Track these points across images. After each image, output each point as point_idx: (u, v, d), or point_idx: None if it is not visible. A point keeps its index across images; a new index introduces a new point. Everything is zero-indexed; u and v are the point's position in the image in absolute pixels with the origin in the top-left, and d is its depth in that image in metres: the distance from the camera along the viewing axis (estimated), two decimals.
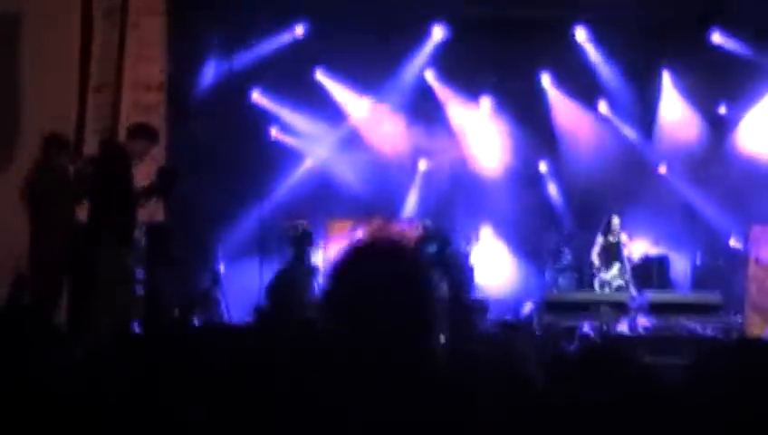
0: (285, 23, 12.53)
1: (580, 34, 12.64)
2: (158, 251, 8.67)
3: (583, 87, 12.92)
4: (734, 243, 12.08)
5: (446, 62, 12.86)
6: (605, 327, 9.97)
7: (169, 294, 9.22)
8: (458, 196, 12.78)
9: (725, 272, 12.02)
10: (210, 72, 12.23)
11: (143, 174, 7.75)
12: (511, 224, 12.70)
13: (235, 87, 12.42)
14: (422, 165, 13.15)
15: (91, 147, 8.58)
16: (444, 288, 11.06)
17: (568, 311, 10.63)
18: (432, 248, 11.69)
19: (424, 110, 13.09)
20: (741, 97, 12.66)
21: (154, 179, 7.47)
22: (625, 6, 12.00)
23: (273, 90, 12.81)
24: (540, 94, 13.05)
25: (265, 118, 12.93)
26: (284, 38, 12.58)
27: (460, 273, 11.83)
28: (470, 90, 13.00)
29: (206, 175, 11.55)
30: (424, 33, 12.76)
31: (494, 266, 12.60)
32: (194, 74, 11.94)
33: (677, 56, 12.56)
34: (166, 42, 10.07)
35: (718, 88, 12.68)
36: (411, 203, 13.14)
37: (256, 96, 12.82)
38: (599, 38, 12.61)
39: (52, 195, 7.29)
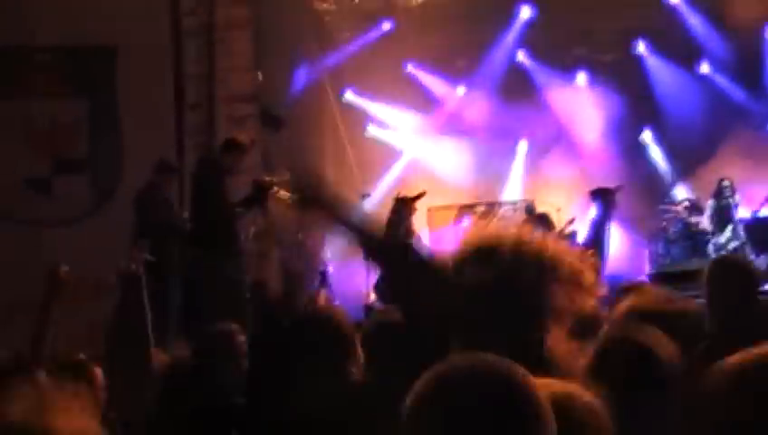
0: (371, 21, 12.65)
1: None
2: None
3: (681, 49, 12.54)
4: None
5: (537, 40, 12.71)
6: None
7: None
8: (561, 174, 12.59)
9: None
10: (302, 77, 12.43)
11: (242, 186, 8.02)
12: (618, 198, 12.39)
13: (327, 89, 12.59)
14: (522, 146, 13.03)
15: (191, 164, 8.91)
16: None
17: (684, 281, 10.30)
18: (540, 231, 11.53)
19: (519, 91, 12.95)
20: None
21: (249, 191, 7.68)
22: None
23: (366, 88, 12.94)
24: (636, 62, 12.74)
25: (361, 116, 13.08)
26: (372, 36, 12.69)
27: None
28: (564, 66, 12.81)
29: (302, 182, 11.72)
30: (511, 14, 12.65)
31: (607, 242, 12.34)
32: (286, 81, 12.16)
33: None
34: (254, 53, 10.30)
35: None
36: (514, 185, 13.05)
37: (350, 96, 12.98)
38: None
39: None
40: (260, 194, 7.58)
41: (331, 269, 12.02)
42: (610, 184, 7.28)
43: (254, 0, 10.53)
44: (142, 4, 9.73)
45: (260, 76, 10.48)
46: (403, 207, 9.97)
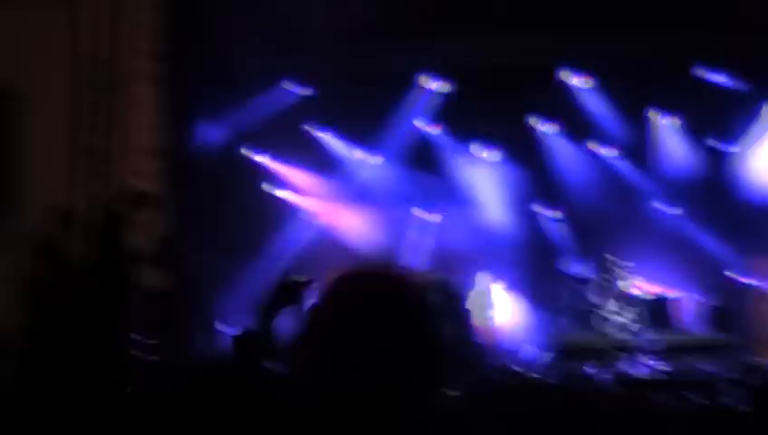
0: (282, 80, 12.62)
1: (568, 76, 12.71)
2: (160, 318, 8.60)
3: (580, 129, 12.97)
4: (742, 279, 11.98)
5: (445, 113, 12.96)
6: (612, 369, 9.83)
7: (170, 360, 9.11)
8: (459, 242, 12.72)
9: (736, 310, 11.89)
10: (207, 134, 12.23)
11: (140, 241, 7.74)
12: (517, 269, 12.64)
13: (234, 147, 12.43)
14: (422, 215, 13.12)
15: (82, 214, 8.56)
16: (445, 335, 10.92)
17: (575, 354, 10.50)
18: (435, 297, 11.61)
19: (420, 160, 13.12)
20: (734, 130, 12.68)
21: (153, 248, 7.42)
22: (615, 48, 12.07)
23: (272, 148, 12.84)
24: (537, 138, 13.10)
25: (265, 177, 12.94)
26: (281, 96, 12.65)
27: (462, 320, 11.76)
28: (470, 139, 13.04)
29: (204, 237, 11.49)
30: (419, 85, 12.85)
31: (496, 311, 12.48)
32: (190, 137, 11.93)
33: (670, 93, 12.60)
34: (158, 106, 10.07)
35: (712, 122, 12.70)
36: (413, 254, 13.09)
37: (255, 155, 12.84)
38: (592, 80, 12.67)
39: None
40: (164, 251, 7.33)
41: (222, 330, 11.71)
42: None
43: (162, 52, 10.32)
44: (43, 48, 9.43)
45: (165, 128, 10.24)
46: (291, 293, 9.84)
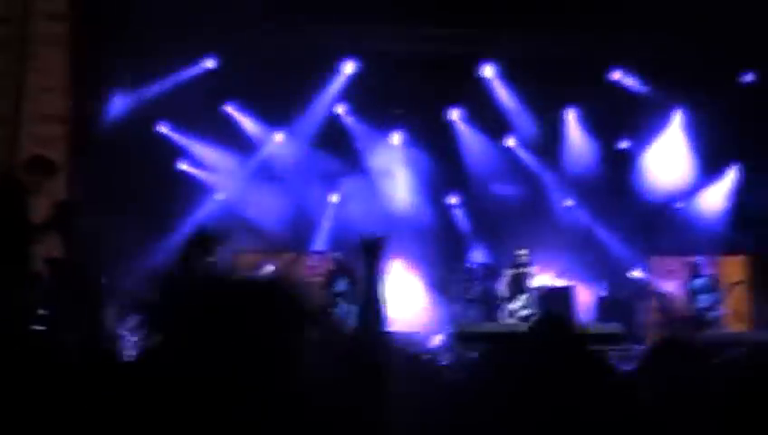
0: (195, 55, 12.45)
1: (488, 71, 12.89)
2: (62, 286, 8.42)
3: (491, 122, 13.18)
4: (636, 274, 12.41)
5: (357, 96, 12.97)
6: None
7: (74, 331, 8.95)
8: (369, 229, 12.78)
9: (628, 302, 12.33)
10: (117, 105, 12.02)
11: (44, 208, 7.57)
12: (421, 256, 12.80)
13: (143, 119, 12.23)
14: (333, 198, 13.17)
15: None
16: (352, 322, 11.04)
17: (477, 342, 10.67)
18: (342, 283, 11.70)
19: (335, 143, 13.16)
20: (641, 133, 13.08)
21: (51, 214, 7.25)
22: (530, 45, 12.32)
23: (182, 123, 12.70)
24: (450, 129, 13.27)
25: (174, 151, 12.78)
26: (194, 71, 12.49)
27: (369, 307, 11.81)
28: (381, 124, 13.13)
29: (111, 209, 11.31)
30: (335, 67, 12.84)
31: (404, 299, 12.65)
32: (100, 107, 11.71)
33: (581, 93, 12.91)
34: (69, 73, 9.85)
35: (620, 124, 13.08)
36: (322, 236, 13.14)
37: (164, 129, 12.67)
38: (505, 75, 12.88)
39: None
40: (62, 217, 7.17)
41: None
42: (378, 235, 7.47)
43: (74, 17, 10.09)
44: None
45: (73, 96, 10.02)
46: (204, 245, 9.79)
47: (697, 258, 11.62)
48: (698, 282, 11.49)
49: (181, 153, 12.84)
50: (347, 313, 11.52)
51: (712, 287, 11.42)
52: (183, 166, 12.89)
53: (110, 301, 11.31)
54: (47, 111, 9.58)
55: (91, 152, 11.00)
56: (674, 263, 12.65)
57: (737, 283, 11.66)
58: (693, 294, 11.51)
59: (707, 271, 11.56)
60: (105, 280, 10.63)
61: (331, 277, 11.83)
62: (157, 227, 12.17)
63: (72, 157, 10.17)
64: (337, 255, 11.96)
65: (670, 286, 12.51)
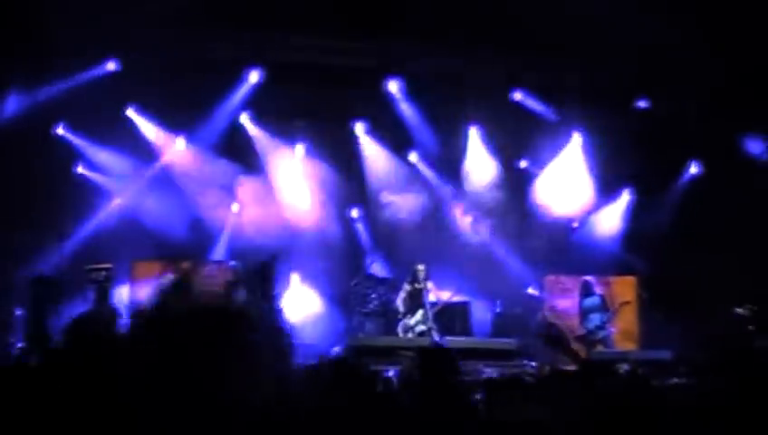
0: (96, 57, 12.21)
1: (393, 86, 13.01)
2: None
3: (396, 137, 13.31)
4: (531, 291, 12.67)
5: (261, 105, 12.93)
6: (409, 371, 10.12)
7: None
8: (269, 239, 12.74)
9: (523, 319, 12.57)
10: (12, 105, 11.69)
11: None
12: (320, 269, 12.80)
13: (38, 120, 11.92)
14: (234, 207, 13.06)
15: None
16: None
17: (373, 355, 10.73)
18: (241, 293, 11.61)
19: (238, 152, 13.08)
20: (541, 153, 13.40)
21: None
22: (434, 62, 12.52)
23: (80, 125, 12.43)
24: (353, 142, 13.33)
25: (71, 154, 12.49)
26: (94, 73, 12.25)
27: (269, 318, 11.82)
28: (285, 134, 13.10)
29: (4, 212, 11.00)
30: (240, 76, 12.77)
31: (302, 311, 12.62)
32: None
33: (484, 112, 13.16)
34: None
35: (520, 144, 13.36)
36: (221, 246, 13.01)
37: (62, 131, 12.38)
38: (410, 90, 13.02)
39: None
40: None
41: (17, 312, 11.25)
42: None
43: None
44: None
45: None
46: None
47: (588, 278, 11.94)
48: (589, 301, 11.81)
49: (79, 157, 12.54)
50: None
51: (602, 307, 11.74)
52: (81, 170, 12.59)
53: None
54: None
55: None
56: (569, 281, 12.96)
57: (626, 302, 12.00)
58: (584, 313, 11.82)
59: (598, 290, 11.88)
60: None
61: (230, 288, 11.74)
62: (51, 231, 11.86)
63: None
64: (235, 265, 11.87)
65: (564, 304, 12.81)
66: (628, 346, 11.87)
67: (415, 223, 12.99)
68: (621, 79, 12.61)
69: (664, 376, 6.31)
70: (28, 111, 11.75)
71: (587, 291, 11.87)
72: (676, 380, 6.29)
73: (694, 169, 13.20)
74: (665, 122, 12.68)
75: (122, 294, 12.22)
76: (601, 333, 11.61)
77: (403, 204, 13.17)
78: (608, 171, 13.13)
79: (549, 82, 12.99)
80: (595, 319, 11.68)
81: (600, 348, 11.46)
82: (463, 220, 13.28)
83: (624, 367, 9.66)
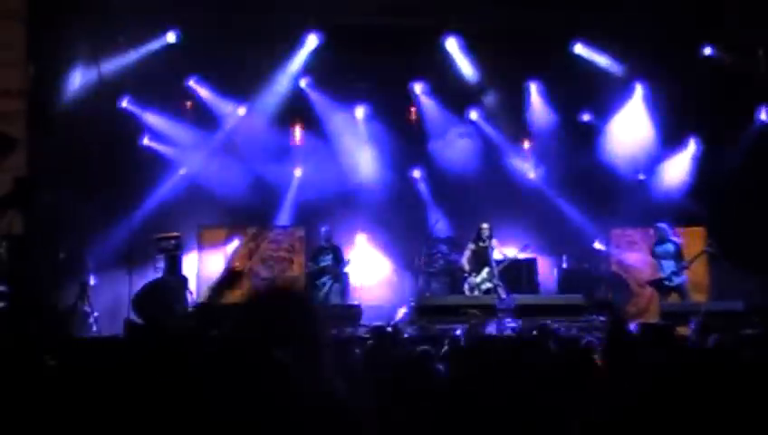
0: (156, 30, 12.35)
1: (452, 44, 12.90)
2: (20, 263, 8.40)
3: (455, 95, 13.21)
4: (597, 246, 12.56)
5: (321, 70, 12.95)
6: (474, 329, 10.15)
7: (35, 307, 8.93)
8: (333, 203, 12.85)
9: (590, 274, 12.49)
10: (77, 79, 11.91)
11: (2, 185, 7.53)
12: (385, 230, 12.86)
13: (104, 94, 12.14)
14: (297, 172, 13.17)
15: None
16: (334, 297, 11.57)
17: (440, 314, 10.80)
18: (328, 258, 11.79)
19: (299, 117, 13.15)
20: (604, 106, 13.19)
21: (10, 190, 7.23)
22: (493, 17, 12.36)
23: (144, 97, 12.61)
24: (414, 102, 13.29)
25: (136, 126, 12.71)
26: (155, 45, 12.40)
27: (345, 280, 12.03)
28: (345, 97, 13.11)
29: (74, 185, 11.25)
30: (298, 41, 12.79)
31: (369, 273, 12.73)
32: (60, 81, 11.59)
33: (544, 66, 12.98)
34: (26, 46, 9.74)
35: (583, 97, 13.16)
36: (286, 210, 13.15)
37: (127, 104, 12.59)
38: (469, 48, 12.91)
39: None
40: (22, 193, 7.15)
41: (92, 281, 11.56)
42: None
43: None
44: None
45: (31, 71, 9.92)
46: None
47: (664, 225, 11.66)
48: (662, 248, 11.55)
49: (143, 128, 12.76)
50: (329, 288, 11.66)
51: (676, 254, 11.50)
52: (146, 141, 12.81)
53: (71, 276, 11.33)
54: (5, 86, 9.50)
55: (52, 127, 10.92)
56: (635, 234, 12.81)
57: (701, 253, 11.74)
58: (657, 259, 11.57)
59: (674, 239, 11.63)
60: (64, 256, 10.63)
61: (317, 252, 11.94)
62: (119, 202, 12.12)
63: (32, 132, 10.10)
64: (324, 230, 12.05)
65: (632, 258, 12.68)
66: (698, 298, 11.69)
67: (477, 181, 12.91)
68: (685, 26, 12.30)
69: (736, 327, 6.22)
70: (93, 86, 11.95)
71: (661, 238, 11.59)
72: (749, 330, 6.19)
73: (763, 115, 12.85)
74: (731, 70, 12.36)
75: (191, 262, 12.48)
76: (677, 280, 11.38)
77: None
78: (673, 121, 12.87)
79: (610, 33, 12.73)
80: (669, 266, 11.44)
81: (675, 297, 11.28)
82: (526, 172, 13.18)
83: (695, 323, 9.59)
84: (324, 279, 11.81)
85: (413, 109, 13.32)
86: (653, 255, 11.67)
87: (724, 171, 12.40)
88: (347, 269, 12.10)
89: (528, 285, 12.23)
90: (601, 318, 10.79)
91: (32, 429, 2.93)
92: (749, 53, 12.31)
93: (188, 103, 12.88)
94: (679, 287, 11.38)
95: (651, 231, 11.92)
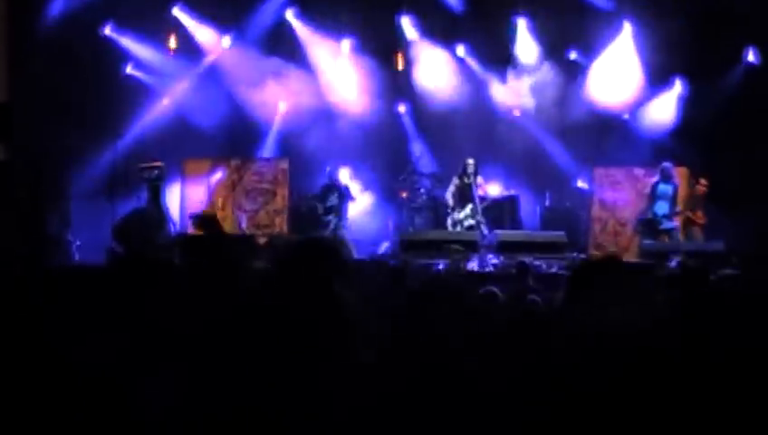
0: None
1: None
2: (2, 190, 8.36)
3: (442, 30, 13.07)
4: (580, 184, 12.59)
5: (307, 0, 12.78)
6: (456, 265, 10.22)
7: (16, 235, 8.92)
8: (318, 136, 12.78)
9: (572, 212, 12.55)
10: (58, 5, 11.69)
11: None
12: (369, 164, 12.84)
13: (85, 21, 11.94)
14: (282, 105, 13.06)
15: None
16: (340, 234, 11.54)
17: (422, 249, 10.85)
18: (334, 198, 11.79)
19: (284, 48, 13.00)
20: (591, 44, 13.08)
21: None
22: None
23: (127, 25, 12.42)
24: (400, 36, 13.14)
25: (119, 54, 12.53)
26: None
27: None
28: (331, 30, 12.95)
29: (55, 113, 11.14)
30: None
31: (353, 206, 12.72)
32: (40, 7, 11.38)
33: (531, 2, 12.84)
34: None
35: (570, 34, 13.04)
36: (270, 142, 13.09)
37: (109, 31, 12.39)
38: None
39: None
40: (2, 120, 7.08)
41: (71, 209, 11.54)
42: None
43: None
44: None
45: None
46: None
47: (669, 164, 11.59)
48: (663, 187, 11.49)
49: (126, 56, 12.58)
50: (335, 225, 11.68)
51: (673, 197, 11.48)
52: (129, 70, 12.64)
53: (54, 205, 11.29)
54: None
55: (33, 54, 10.76)
56: (619, 174, 12.84)
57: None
58: (655, 197, 11.50)
59: (675, 181, 11.59)
60: (46, 183, 10.57)
61: (325, 190, 11.90)
62: (102, 130, 12.02)
63: (12, 58, 9.95)
64: (329, 169, 12.01)
65: (614, 196, 12.73)
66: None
67: (462, 117, 12.85)
68: None
69: (716, 267, 6.28)
70: (75, 13, 11.75)
71: (665, 176, 11.48)
72: (728, 270, 6.27)
73: (751, 56, 12.79)
74: (720, 10, 12.25)
75: (174, 193, 12.44)
76: (667, 224, 11.36)
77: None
78: (660, 61, 12.77)
79: None
80: (664, 207, 11.39)
81: (664, 239, 11.29)
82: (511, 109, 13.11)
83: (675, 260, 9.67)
84: (330, 217, 11.83)
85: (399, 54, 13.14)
86: (652, 191, 11.52)
87: (709, 112, 12.37)
88: (351, 205, 12.08)
89: (511, 223, 12.29)
90: (582, 256, 10.89)
91: (17, 363, 2.95)
92: None
93: (172, 37, 12.66)
94: (671, 232, 11.37)
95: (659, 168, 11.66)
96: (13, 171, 8.76)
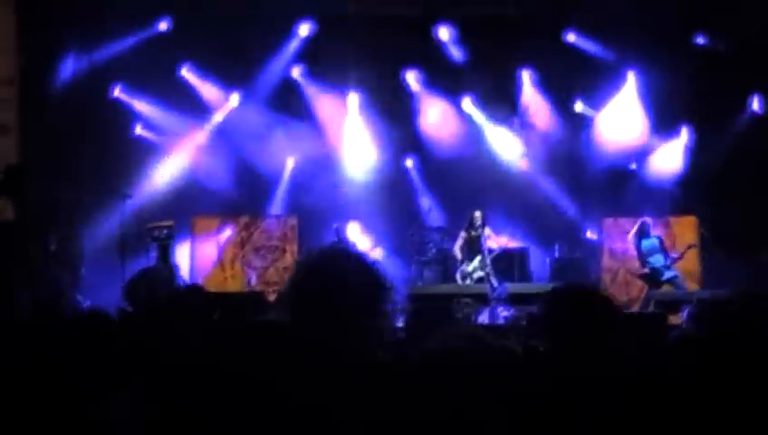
0: (148, 17, 12.32)
1: (444, 33, 12.88)
2: (9, 251, 8.37)
3: (448, 84, 13.19)
4: (589, 235, 12.58)
5: (313, 58, 12.94)
6: (466, 318, 10.16)
7: (25, 294, 8.91)
8: (326, 192, 12.83)
9: (582, 263, 12.51)
10: (69, 67, 11.87)
11: None
12: (378, 219, 12.85)
13: (95, 82, 12.11)
14: (290, 162, 13.14)
15: None
16: None
17: (434, 301, 10.77)
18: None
19: (291, 106, 13.12)
20: (595, 94, 13.18)
21: (1, 177, 7.22)
22: (483, 5, 12.36)
23: (136, 86, 12.59)
24: (405, 91, 13.26)
25: (129, 115, 12.68)
26: (147, 33, 12.37)
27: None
28: (337, 86, 13.08)
29: (65, 173, 11.23)
30: (290, 29, 12.78)
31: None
32: (50, 68, 11.55)
33: (536, 55, 12.96)
34: (16, 33, 9.70)
35: (574, 85, 13.14)
36: (278, 200, 13.14)
37: (119, 92, 12.55)
38: (461, 37, 12.88)
39: None
40: (12, 180, 7.14)
41: (82, 270, 11.55)
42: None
43: None
44: None
45: (22, 58, 9.88)
46: None
47: (645, 219, 11.69)
48: (648, 242, 11.55)
49: (136, 117, 12.72)
50: None
51: (662, 247, 11.52)
52: (139, 130, 12.77)
53: (62, 264, 11.29)
54: None
55: (43, 115, 10.89)
56: (628, 224, 12.81)
57: (693, 246, 11.74)
58: (645, 254, 11.57)
59: (655, 232, 11.65)
60: (55, 244, 10.59)
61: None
62: (112, 191, 12.08)
63: (23, 119, 10.07)
64: (336, 226, 12.02)
65: (624, 247, 12.69)
66: (691, 287, 11.69)
67: (470, 169, 12.90)
68: (678, 14, 12.30)
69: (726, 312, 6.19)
70: (85, 75, 11.92)
71: (644, 232, 11.60)
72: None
73: (755, 105, 12.85)
74: (724, 59, 12.35)
75: (184, 251, 12.47)
76: (668, 274, 11.35)
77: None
78: (665, 110, 12.86)
79: (602, 21, 12.71)
80: (659, 259, 11.43)
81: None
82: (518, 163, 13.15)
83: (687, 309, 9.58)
84: None
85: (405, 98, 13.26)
86: (639, 251, 11.58)
87: (715, 161, 12.40)
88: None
89: (520, 274, 12.23)
90: None
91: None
92: (742, 41, 12.29)
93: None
94: (673, 281, 11.34)
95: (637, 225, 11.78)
96: (24, 229, 8.78)
